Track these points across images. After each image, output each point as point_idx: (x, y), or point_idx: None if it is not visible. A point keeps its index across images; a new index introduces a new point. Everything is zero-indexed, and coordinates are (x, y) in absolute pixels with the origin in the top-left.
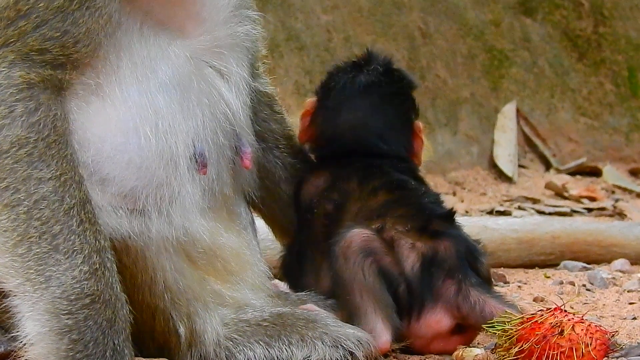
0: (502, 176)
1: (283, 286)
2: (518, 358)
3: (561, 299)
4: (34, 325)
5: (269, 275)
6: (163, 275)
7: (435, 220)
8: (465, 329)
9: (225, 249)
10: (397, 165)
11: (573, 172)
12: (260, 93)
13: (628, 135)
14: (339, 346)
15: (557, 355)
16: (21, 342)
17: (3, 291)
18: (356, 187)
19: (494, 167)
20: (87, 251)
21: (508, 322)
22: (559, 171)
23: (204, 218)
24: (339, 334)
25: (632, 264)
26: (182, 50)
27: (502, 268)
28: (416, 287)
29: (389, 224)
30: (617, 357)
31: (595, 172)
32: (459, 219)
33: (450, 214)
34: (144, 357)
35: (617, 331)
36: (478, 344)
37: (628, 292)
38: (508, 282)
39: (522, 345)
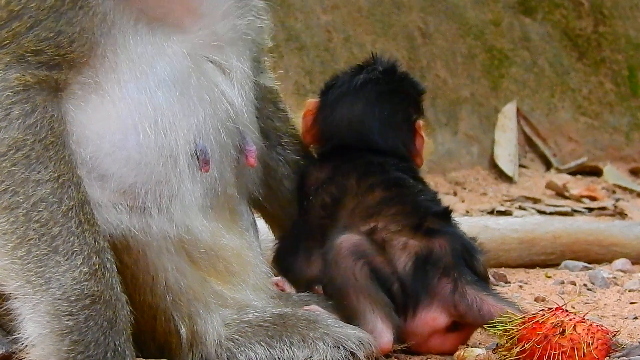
0: (502, 176)
1: (287, 285)
2: (519, 358)
3: (562, 298)
4: (34, 327)
5: (270, 276)
6: (164, 276)
7: (430, 218)
8: (462, 327)
9: (227, 250)
10: (397, 163)
11: (573, 172)
12: (265, 89)
13: (628, 134)
14: (340, 347)
15: (558, 355)
16: (22, 344)
17: (3, 294)
18: (354, 183)
19: (494, 167)
20: (86, 252)
21: (509, 322)
22: (559, 171)
23: (206, 217)
24: (340, 334)
25: (633, 263)
26: (179, 46)
27: (503, 268)
28: (409, 285)
29: (381, 224)
30: (619, 357)
31: (596, 172)
32: (460, 219)
33: (446, 211)
34: (145, 358)
35: (618, 331)
36: (479, 344)
37: (629, 291)
38: (509, 282)
39: (523, 345)
